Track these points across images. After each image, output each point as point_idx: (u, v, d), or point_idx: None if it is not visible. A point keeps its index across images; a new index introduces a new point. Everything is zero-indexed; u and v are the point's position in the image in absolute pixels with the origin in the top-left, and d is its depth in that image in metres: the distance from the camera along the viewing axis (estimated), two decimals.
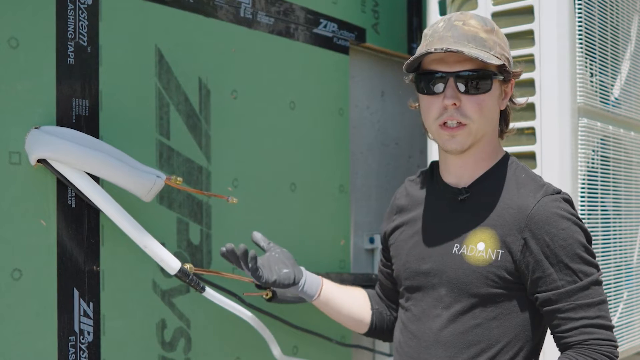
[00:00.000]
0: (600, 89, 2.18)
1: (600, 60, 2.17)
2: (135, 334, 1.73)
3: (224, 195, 1.85)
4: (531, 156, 2.06)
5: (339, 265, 2.29)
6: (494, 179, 1.56)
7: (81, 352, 1.62)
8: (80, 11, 1.63)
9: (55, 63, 1.58)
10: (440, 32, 1.49)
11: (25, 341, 1.53)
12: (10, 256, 1.51)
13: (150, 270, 1.76)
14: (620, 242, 2.27)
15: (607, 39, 2.21)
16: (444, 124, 1.50)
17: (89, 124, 1.64)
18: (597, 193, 2.12)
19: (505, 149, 1.66)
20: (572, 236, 1.45)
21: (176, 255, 1.75)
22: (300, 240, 2.15)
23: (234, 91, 1.98)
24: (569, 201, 1.51)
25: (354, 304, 1.79)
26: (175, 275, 1.66)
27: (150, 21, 1.78)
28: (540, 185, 1.52)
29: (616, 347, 1.44)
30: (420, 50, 1.50)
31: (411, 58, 1.50)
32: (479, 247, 1.50)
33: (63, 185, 1.59)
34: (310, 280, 1.72)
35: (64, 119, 1.60)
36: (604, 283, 1.60)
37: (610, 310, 1.71)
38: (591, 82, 2.13)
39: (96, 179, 1.61)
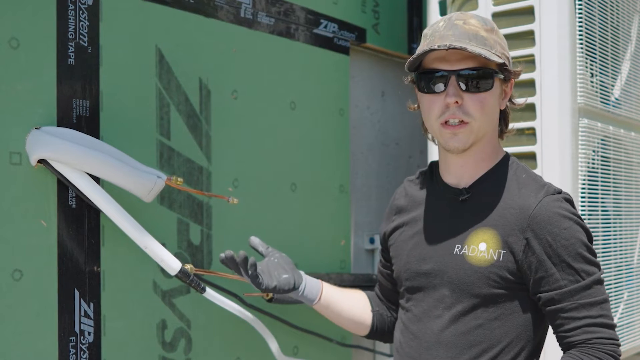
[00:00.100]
0: (601, 90, 2.18)
1: (600, 60, 2.17)
2: (135, 335, 1.73)
3: (224, 196, 1.85)
4: (531, 156, 2.06)
5: (340, 265, 2.29)
6: (495, 179, 1.56)
7: (82, 352, 1.62)
8: (81, 11, 1.63)
9: (56, 63, 1.58)
10: (441, 31, 1.49)
11: (25, 341, 1.53)
12: (11, 257, 1.51)
13: (150, 271, 1.76)
14: (621, 242, 2.27)
15: (607, 39, 2.21)
16: (446, 122, 1.50)
17: (89, 125, 1.64)
18: (597, 193, 2.12)
19: (505, 149, 1.66)
20: (574, 235, 1.45)
21: (177, 255, 1.75)
22: (301, 240, 2.15)
23: (235, 91, 1.98)
24: (570, 201, 1.51)
25: (354, 306, 1.78)
26: (176, 275, 1.66)
27: (150, 21, 1.78)
28: (541, 185, 1.52)
29: (619, 345, 1.45)
30: (421, 48, 1.50)
31: (413, 56, 1.50)
32: (481, 247, 1.50)
33: (63, 185, 1.58)
34: (310, 285, 1.72)
35: (64, 120, 1.60)
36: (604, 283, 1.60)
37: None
38: (591, 82, 2.13)
39: (97, 179, 1.61)
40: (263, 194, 2.05)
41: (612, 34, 2.23)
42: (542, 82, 2.04)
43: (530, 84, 2.06)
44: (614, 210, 2.24)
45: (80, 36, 1.63)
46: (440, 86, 1.49)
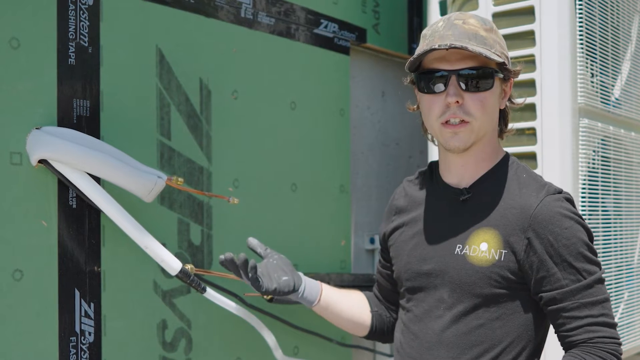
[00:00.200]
0: (601, 90, 2.18)
1: (601, 60, 2.17)
2: (136, 335, 1.73)
3: (224, 196, 1.85)
4: (532, 156, 2.06)
5: (340, 265, 2.29)
6: (495, 179, 1.55)
7: (82, 352, 1.62)
8: (81, 12, 1.63)
9: (56, 63, 1.58)
10: (440, 31, 1.49)
11: (26, 341, 1.53)
12: (12, 257, 1.51)
13: (151, 271, 1.76)
14: (621, 242, 2.27)
15: (607, 39, 2.21)
16: (447, 122, 1.50)
17: (89, 125, 1.64)
18: (597, 193, 2.12)
19: (506, 149, 1.66)
20: (575, 235, 1.45)
21: (177, 255, 1.75)
22: (301, 240, 2.15)
23: (235, 91, 1.98)
24: (570, 200, 1.51)
25: (353, 307, 1.78)
26: (176, 275, 1.66)
27: (151, 21, 1.78)
28: (542, 185, 1.52)
29: (620, 344, 1.45)
30: (421, 48, 1.50)
31: (413, 56, 1.50)
32: (482, 247, 1.50)
33: (64, 185, 1.59)
34: (310, 286, 1.72)
35: (64, 120, 1.60)
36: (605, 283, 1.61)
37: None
38: (592, 82, 2.13)
39: (97, 179, 1.61)
40: (263, 194, 2.05)
41: (612, 34, 2.23)
42: (543, 82, 2.04)
43: (531, 84, 2.06)
44: (614, 210, 2.24)
45: (81, 36, 1.63)
46: (440, 86, 1.49)
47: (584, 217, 1.96)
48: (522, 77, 2.03)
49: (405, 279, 1.63)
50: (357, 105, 2.48)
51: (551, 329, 1.55)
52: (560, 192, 1.51)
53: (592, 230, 2.02)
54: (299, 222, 2.15)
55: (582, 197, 2.04)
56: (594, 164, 2.11)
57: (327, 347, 2.16)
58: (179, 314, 1.82)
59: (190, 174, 1.86)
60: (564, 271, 1.44)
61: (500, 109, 1.58)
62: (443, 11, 2.32)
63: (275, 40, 2.10)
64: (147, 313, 1.75)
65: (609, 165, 2.20)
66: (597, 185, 2.12)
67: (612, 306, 1.73)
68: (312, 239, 2.19)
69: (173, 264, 1.65)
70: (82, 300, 1.62)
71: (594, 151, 2.12)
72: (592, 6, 2.12)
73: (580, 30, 2.06)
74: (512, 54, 2.04)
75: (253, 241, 1.77)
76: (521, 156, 2.03)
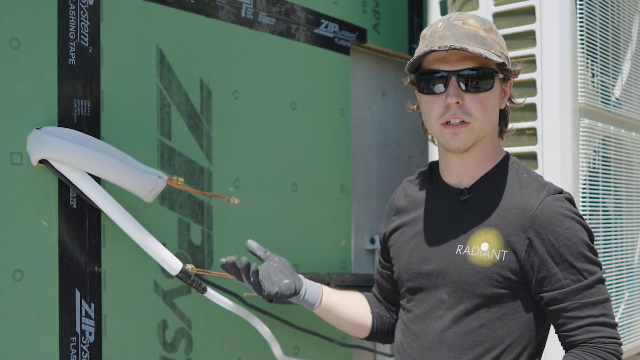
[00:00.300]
0: (602, 90, 2.18)
1: (601, 60, 2.17)
2: (136, 335, 1.73)
3: (225, 196, 1.85)
4: (532, 156, 2.06)
5: (340, 265, 2.29)
6: (496, 179, 1.55)
7: (82, 352, 1.62)
8: (82, 11, 1.63)
9: (57, 63, 1.58)
10: (440, 31, 1.49)
11: (26, 342, 1.53)
12: (12, 257, 1.51)
13: (151, 271, 1.76)
14: (621, 242, 2.27)
15: (608, 39, 2.21)
16: (447, 122, 1.50)
17: (90, 125, 1.64)
18: (598, 193, 2.12)
19: (506, 149, 1.66)
20: (576, 235, 1.45)
21: (177, 255, 1.75)
22: (301, 240, 2.15)
23: (235, 91, 1.98)
24: (571, 200, 1.51)
25: (354, 308, 1.78)
26: (177, 276, 1.66)
27: (151, 21, 1.78)
28: (542, 185, 1.52)
29: (621, 344, 1.45)
30: (421, 49, 1.50)
31: (413, 57, 1.50)
32: (483, 247, 1.50)
33: (64, 185, 1.59)
34: (311, 289, 1.71)
35: (65, 120, 1.60)
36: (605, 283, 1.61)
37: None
38: (592, 82, 2.13)
39: (97, 179, 1.61)
40: (264, 194, 2.05)
41: (613, 34, 2.23)
42: (543, 82, 2.04)
43: (531, 84, 2.06)
44: (615, 210, 2.24)
45: (81, 36, 1.63)
46: (440, 87, 1.49)
47: (584, 217, 1.96)
48: (523, 77, 2.03)
49: (405, 280, 1.62)
50: (357, 105, 2.48)
51: (552, 329, 1.55)
52: (561, 192, 1.51)
53: (593, 230, 2.02)
54: (300, 222, 2.15)
55: (583, 197, 2.04)
56: (594, 164, 2.11)
57: (327, 347, 2.16)
58: (179, 314, 1.82)
59: (190, 174, 1.86)
60: (565, 271, 1.44)
61: (500, 109, 1.58)
62: (443, 11, 2.32)
63: (275, 40, 2.10)
64: (148, 313, 1.75)
65: (610, 165, 2.20)
66: (598, 185, 2.12)
67: (613, 306, 1.73)
68: (312, 239, 2.19)
69: (173, 264, 1.65)
70: (83, 300, 1.62)
71: (594, 151, 2.12)
72: (593, 6, 2.12)
73: (581, 30, 2.06)
74: (513, 54, 2.04)
75: (252, 244, 1.76)
76: (522, 156, 2.03)
